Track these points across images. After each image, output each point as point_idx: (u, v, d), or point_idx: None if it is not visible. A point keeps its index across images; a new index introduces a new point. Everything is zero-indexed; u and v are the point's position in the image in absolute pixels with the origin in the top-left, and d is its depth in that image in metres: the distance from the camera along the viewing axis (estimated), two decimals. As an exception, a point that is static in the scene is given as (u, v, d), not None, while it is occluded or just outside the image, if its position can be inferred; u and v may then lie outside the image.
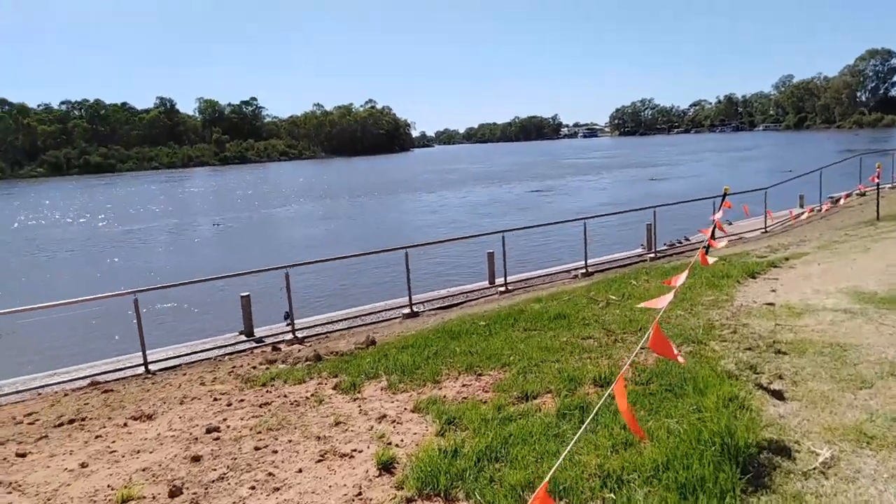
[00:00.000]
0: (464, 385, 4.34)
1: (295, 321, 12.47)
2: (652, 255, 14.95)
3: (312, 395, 4.49)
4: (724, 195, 8.21)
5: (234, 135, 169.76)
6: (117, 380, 8.47)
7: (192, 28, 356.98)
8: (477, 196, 44.38)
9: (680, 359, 2.72)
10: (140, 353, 8.95)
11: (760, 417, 3.25)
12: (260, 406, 4.30)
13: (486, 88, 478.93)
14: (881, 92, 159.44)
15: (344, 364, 5.29)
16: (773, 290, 6.44)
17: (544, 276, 14.14)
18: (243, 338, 11.33)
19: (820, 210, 18.41)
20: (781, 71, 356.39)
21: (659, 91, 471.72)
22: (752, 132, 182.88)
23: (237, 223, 35.15)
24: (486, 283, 14.42)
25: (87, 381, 8.58)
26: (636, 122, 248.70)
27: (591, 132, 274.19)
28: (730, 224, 19.69)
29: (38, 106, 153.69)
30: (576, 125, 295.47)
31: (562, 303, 6.67)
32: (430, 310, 11.94)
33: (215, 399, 4.63)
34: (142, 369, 8.79)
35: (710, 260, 5.99)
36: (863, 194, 19.68)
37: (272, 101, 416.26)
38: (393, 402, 4.19)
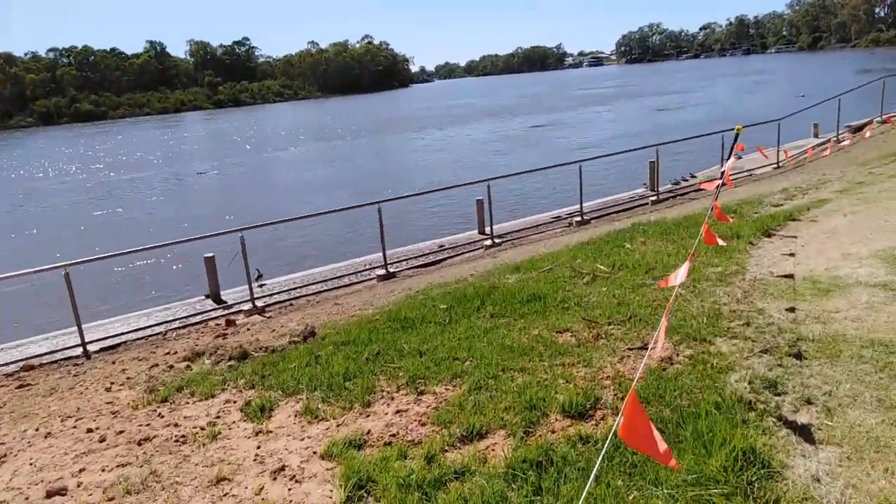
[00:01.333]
0: (398, 411, 3.37)
1: (264, 283, 11.60)
2: (654, 196, 13.78)
3: (210, 423, 3.57)
4: (736, 136, 7.01)
5: (228, 77, 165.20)
6: (52, 363, 7.65)
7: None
8: (484, 132, 42.76)
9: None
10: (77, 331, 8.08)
11: (786, 486, 2.27)
12: (138, 443, 3.39)
13: (487, 19, 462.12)
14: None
15: (267, 369, 4.35)
16: (792, 254, 5.35)
17: (536, 226, 13.08)
18: (210, 304, 10.50)
19: (838, 141, 17.00)
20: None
21: (667, 14, 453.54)
22: (765, 55, 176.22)
23: (229, 170, 33.89)
24: (475, 233, 13.43)
25: (21, 363, 7.77)
26: (643, 48, 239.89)
27: (597, 61, 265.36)
28: (739, 158, 18.35)
29: (25, 55, 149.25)
30: (580, 54, 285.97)
31: (540, 277, 5.62)
32: (407, 269, 10.97)
33: (89, 430, 3.73)
34: (79, 350, 7.94)
35: (718, 243, 4.91)
36: (884, 122, 18.19)
37: (266, 40, 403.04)
38: (303, 438, 3.24)
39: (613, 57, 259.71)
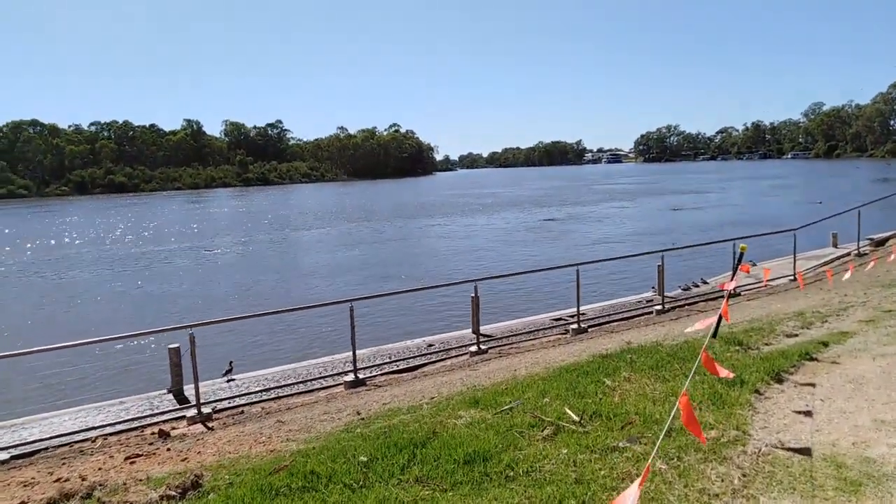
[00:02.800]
0: None
1: (233, 378, 10.60)
2: (659, 306, 12.74)
3: None
4: (741, 256, 6.10)
5: (259, 157, 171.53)
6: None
7: (218, 52, 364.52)
8: (506, 222, 42.93)
9: None
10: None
11: None
12: None
13: (510, 113, 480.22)
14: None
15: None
16: (809, 414, 4.27)
17: (532, 330, 12.05)
18: (168, 400, 9.54)
19: (860, 255, 15.99)
20: (810, 99, 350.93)
21: (685, 117, 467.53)
22: (781, 160, 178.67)
23: (242, 249, 33.62)
24: (468, 332, 12.47)
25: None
26: (661, 148, 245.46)
27: (616, 158, 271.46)
28: (754, 265, 17.37)
29: (69, 127, 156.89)
30: (600, 150, 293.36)
31: (496, 421, 4.58)
32: (381, 375, 9.93)
33: None
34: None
35: (722, 372, 3.90)
36: (910, 237, 17.24)
37: (297, 125, 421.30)
38: None
39: (632, 155, 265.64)
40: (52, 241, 41.32)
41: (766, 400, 4.56)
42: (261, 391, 9.58)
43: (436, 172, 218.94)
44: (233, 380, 10.66)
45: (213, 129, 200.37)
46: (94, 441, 7.58)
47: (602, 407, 4.55)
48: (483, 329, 12.92)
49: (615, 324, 12.08)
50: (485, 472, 3.64)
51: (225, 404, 9.13)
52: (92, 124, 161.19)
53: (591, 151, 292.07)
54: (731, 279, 5.16)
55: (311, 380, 9.92)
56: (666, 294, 14.66)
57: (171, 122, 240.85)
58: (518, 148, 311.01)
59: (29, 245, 39.19)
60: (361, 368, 9.88)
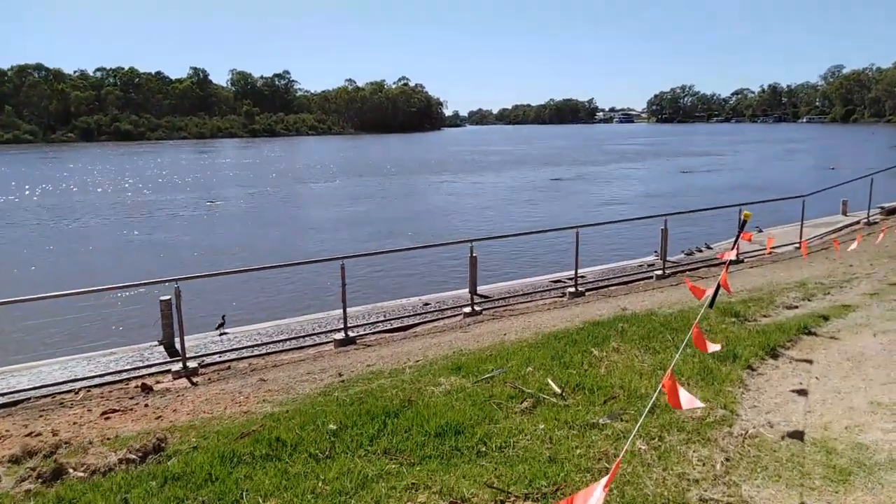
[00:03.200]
0: None
1: (226, 331, 10.52)
2: (660, 271, 12.48)
3: None
4: (743, 224, 5.81)
5: (266, 108, 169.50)
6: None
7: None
8: (516, 181, 42.56)
9: None
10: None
11: None
12: None
13: (521, 69, 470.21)
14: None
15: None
16: (802, 393, 4.06)
17: (530, 293, 11.85)
18: (159, 352, 9.48)
19: (869, 223, 15.60)
20: (828, 62, 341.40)
21: (699, 78, 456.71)
22: (796, 124, 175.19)
23: (251, 201, 33.41)
24: (465, 292, 12.31)
25: None
26: (675, 108, 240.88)
27: (627, 117, 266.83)
28: (760, 232, 17.02)
29: (74, 72, 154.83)
30: (612, 110, 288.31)
31: (475, 390, 4.40)
32: (372, 333, 9.81)
33: None
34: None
35: (711, 348, 3.69)
36: (924, 206, 16.77)
37: (305, 76, 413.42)
38: None
39: (644, 115, 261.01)
40: (57, 188, 41.18)
41: (758, 376, 4.35)
42: (251, 346, 9.48)
43: (444, 128, 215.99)
44: (225, 333, 10.57)
45: (220, 78, 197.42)
46: (76, 393, 7.52)
47: (586, 379, 4.36)
48: (481, 289, 12.74)
49: (614, 288, 11.86)
50: (456, 447, 3.47)
51: (215, 359, 9.05)
52: (97, 70, 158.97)
53: (602, 110, 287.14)
54: (733, 247, 4.89)
55: (301, 336, 9.80)
56: (669, 259, 14.39)
57: (177, 71, 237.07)
58: (529, 105, 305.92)
59: (35, 191, 39.07)
60: (353, 326, 9.75)
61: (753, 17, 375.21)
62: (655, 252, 14.79)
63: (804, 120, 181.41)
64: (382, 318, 10.53)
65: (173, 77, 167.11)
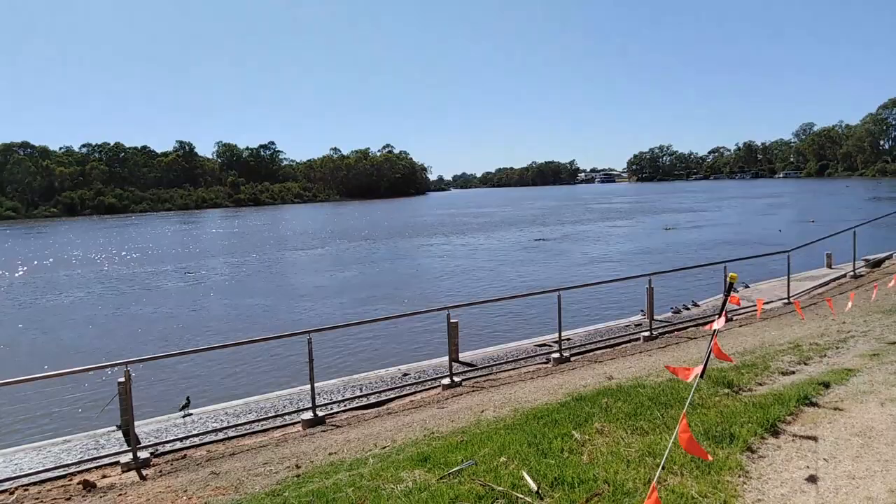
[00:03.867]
0: None
1: (190, 412, 9.79)
2: (647, 332, 12.01)
3: None
4: (730, 287, 5.42)
5: (251, 178, 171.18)
6: None
7: (212, 74, 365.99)
8: (503, 242, 42.55)
9: None
10: None
11: None
12: None
13: (503, 133, 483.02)
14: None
15: None
16: (812, 479, 3.55)
17: (514, 360, 11.28)
18: (116, 440, 8.72)
19: (855, 277, 15.37)
20: (801, 119, 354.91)
21: (677, 138, 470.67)
22: (773, 179, 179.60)
23: (232, 271, 32.81)
24: (446, 360, 11.73)
25: None
26: (654, 167, 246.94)
27: (609, 177, 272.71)
28: (747, 287, 16.74)
29: (60, 149, 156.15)
30: (593, 170, 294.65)
31: (439, 489, 3.83)
32: (343, 411, 9.15)
33: None
34: None
35: (707, 457, 3.18)
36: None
37: (290, 146, 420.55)
38: None
39: (625, 174, 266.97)
40: (35, 263, 40.39)
41: (759, 460, 3.83)
42: (214, 430, 8.77)
43: (429, 193, 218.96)
44: (189, 415, 9.88)
45: (206, 150, 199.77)
46: (10, 493, 6.76)
47: (567, 470, 3.81)
48: (465, 355, 12.16)
49: (600, 352, 11.34)
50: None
51: (175, 445, 8.33)
52: (83, 146, 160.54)
53: (584, 171, 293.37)
54: (720, 314, 4.47)
55: (269, 417, 9.12)
56: (656, 317, 13.97)
57: (163, 144, 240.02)
58: (511, 168, 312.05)
59: (14, 267, 38.26)
60: (324, 404, 9.11)
61: (728, 78, 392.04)
62: (642, 311, 14.38)
63: (780, 175, 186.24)
64: (357, 393, 9.89)
65: (159, 150, 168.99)
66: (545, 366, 10.68)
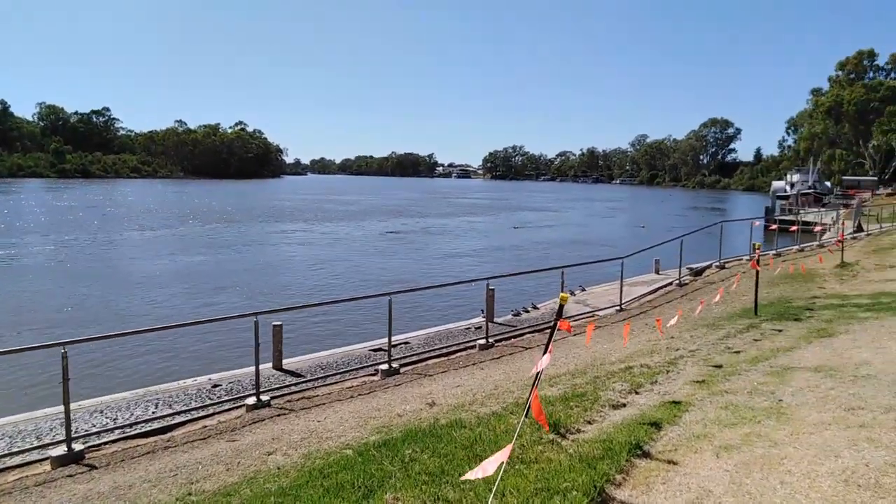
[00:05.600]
0: None
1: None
2: (483, 340, 11.36)
3: None
4: (561, 308, 4.64)
5: (80, 147, 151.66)
6: None
7: (39, 25, 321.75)
8: (366, 231, 41.14)
9: None
10: None
11: None
12: None
13: (365, 121, 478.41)
14: (719, 157, 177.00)
15: None
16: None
17: (338, 372, 10.04)
18: None
19: (681, 285, 16.11)
20: (639, 130, 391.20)
21: (529, 139, 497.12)
22: (611, 184, 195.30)
23: (54, 253, 27.90)
24: (269, 367, 10.24)
25: None
26: (507, 166, 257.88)
27: (465, 173, 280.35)
28: (583, 290, 16.98)
29: None
30: (451, 165, 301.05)
31: None
32: (114, 441, 7.32)
33: None
34: None
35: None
36: (722, 267, 17.85)
37: (129, 116, 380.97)
38: None
39: (480, 171, 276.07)
40: None
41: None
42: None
43: (284, 176, 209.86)
44: None
45: (25, 110, 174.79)
46: None
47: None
48: (290, 362, 10.71)
49: (433, 361, 10.46)
50: None
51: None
52: None
53: (442, 165, 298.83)
54: (546, 350, 3.59)
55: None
56: (496, 320, 13.51)
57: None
58: (371, 156, 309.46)
59: None
60: (80, 436, 7.19)
61: (572, 84, 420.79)
62: (482, 310, 13.84)
63: (618, 181, 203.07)
64: (137, 419, 8.01)
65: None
66: (373, 378, 9.58)
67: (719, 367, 6.44)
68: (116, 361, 12.46)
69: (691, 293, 14.70)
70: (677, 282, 16.13)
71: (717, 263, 18.02)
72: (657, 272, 18.30)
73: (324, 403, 7.97)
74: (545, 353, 3.73)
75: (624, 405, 5.32)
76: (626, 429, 4.54)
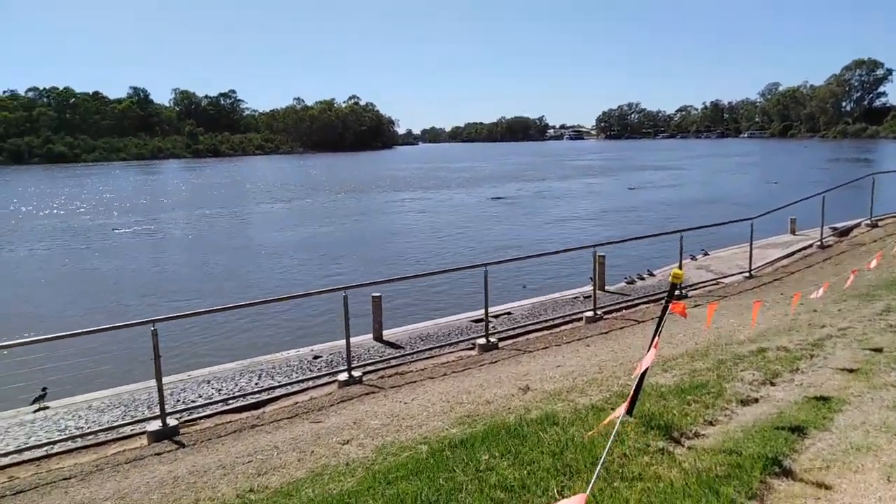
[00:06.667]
0: None
1: (46, 405, 7.83)
2: (590, 313, 10.45)
3: None
4: (673, 287, 3.77)
5: (211, 128, 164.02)
6: None
7: (173, 19, 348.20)
8: (478, 198, 41.29)
9: None
10: None
11: None
12: None
13: (473, 88, 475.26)
14: (865, 102, 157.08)
15: None
16: None
17: (438, 345, 9.63)
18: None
19: (822, 247, 14.08)
20: (768, 79, 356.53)
21: (646, 95, 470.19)
22: (738, 139, 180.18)
23: (195, 226, 30.56)
24: (369, 337, 10.18)
25: None
26: (622, 125, 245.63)
27: (578, 134, 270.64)
28: (706, 255, 15.36)
29: (4, 92, 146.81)
30: (562, 127, 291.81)
31: None
32: (208, 416, 7.41)
33: None
34: None
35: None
36: (874, 226, 15.40)
37: (253, 94, 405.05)
38: None
39: (593, 132, 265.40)
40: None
41: None
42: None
43: (397, 147, 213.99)
44: (46, 407, 8.13)
45: (163, 97, 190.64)
46: None
47: None
48: (390, 333, 10.47)
49: (534, 335, 9.76)
50: None
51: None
52: (29, 90, 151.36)
53: (553, 127, 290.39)
54: (651, 345, 2.80)
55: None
56: (608, 288, 12.53)
57: (116, 90, 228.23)
58: (481, 123, 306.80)
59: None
60: (174, 412, 7.27)
61: (695, 38, 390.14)
62: (590, 278, 12.87)
63: (745, 135, 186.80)
64: (241, 390, 8.07)
65: (112, 97, 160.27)
66: (469, 353, 9.08)
67: (879, 350, 5.21)
68: (229, 332, 12.90)
69: (836, 256, 12.77)
70: (818, 243, 14.12)
71: (868, 221, 15.57)
72: (793, 233, 16.23)
73: (415, 381, 7.58)
74: (650, 346, 2.93)
75: (756, 400, 4.36)
76: (759, 435, 3.62)
